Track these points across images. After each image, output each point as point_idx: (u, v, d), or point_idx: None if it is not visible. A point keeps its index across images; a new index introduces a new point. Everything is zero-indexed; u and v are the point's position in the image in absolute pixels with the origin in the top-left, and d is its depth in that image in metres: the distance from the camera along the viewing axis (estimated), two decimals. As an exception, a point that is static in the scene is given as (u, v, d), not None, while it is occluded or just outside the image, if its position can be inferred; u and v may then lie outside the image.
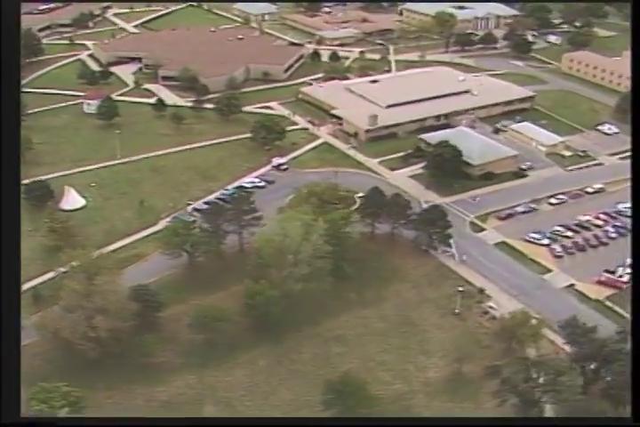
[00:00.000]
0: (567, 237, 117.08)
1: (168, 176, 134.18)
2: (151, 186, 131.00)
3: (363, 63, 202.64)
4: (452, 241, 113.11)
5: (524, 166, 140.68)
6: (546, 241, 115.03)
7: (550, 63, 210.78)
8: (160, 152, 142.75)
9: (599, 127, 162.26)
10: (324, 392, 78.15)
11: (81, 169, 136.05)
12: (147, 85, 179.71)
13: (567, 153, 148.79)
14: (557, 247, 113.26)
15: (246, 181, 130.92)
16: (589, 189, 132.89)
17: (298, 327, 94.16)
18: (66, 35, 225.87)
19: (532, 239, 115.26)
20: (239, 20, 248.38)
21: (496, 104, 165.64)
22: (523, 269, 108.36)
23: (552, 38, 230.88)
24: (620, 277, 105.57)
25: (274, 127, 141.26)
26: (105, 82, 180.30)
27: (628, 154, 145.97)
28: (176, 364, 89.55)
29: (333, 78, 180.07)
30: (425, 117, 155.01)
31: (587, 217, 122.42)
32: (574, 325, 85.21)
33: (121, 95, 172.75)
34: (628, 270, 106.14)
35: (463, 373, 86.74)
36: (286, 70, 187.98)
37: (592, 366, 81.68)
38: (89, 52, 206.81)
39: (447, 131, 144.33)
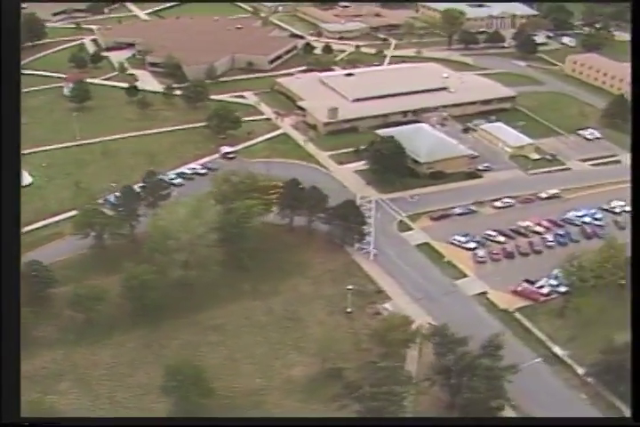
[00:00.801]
0: (498, 242, 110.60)
1: (117, 159, 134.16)
2: (97, 168, 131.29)
3: (357, 57, 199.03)
4: (371, 239, 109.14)
5: (480, 167, 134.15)
6: (472, 245, 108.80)
7: (556, 65, 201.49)
8: (118, 136, 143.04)
9: (580, 132, 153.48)
10: (165, 379, 76.16)
11: (39, 149, 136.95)
12: (133, 71, 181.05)
13: (535, 156, 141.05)
14: (481, 252, 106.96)
15: (189, 167, 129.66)
16: (544, 195, 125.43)
17: (180, 314, 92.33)
18: (80, 20, 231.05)
19: (456, 242, 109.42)
20: (250, 10, 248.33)
21: (472, 103, 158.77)
22: (436, 273, 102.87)
23: (566, 40, 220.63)
24: (541, 287, 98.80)
25: (228, 116, 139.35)
26: (95, 66, 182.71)
27: (602, 161, 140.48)
28: (52, 339, 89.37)
29: (317, 70, 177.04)
30: (389, 113, 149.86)
31: (527, 223, 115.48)
32: (443, 334, 79.81)
33: (106, 80, 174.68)
34: (553, 282, 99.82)
35: (328, 373, 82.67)
36: (273, 61, 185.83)
37: (445, 378, 76.35)
38: (93, 37, 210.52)
39: (404, 127, 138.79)
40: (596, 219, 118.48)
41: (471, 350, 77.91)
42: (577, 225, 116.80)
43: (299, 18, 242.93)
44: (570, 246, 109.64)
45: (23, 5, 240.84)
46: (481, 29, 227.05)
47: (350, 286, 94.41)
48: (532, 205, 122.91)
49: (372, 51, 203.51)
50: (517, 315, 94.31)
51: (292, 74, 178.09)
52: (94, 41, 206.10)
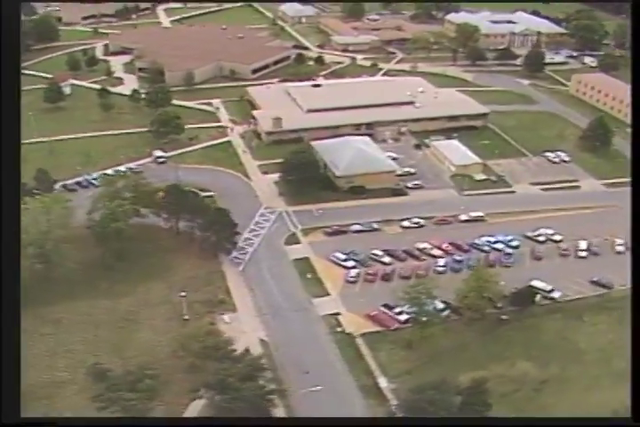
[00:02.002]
0: (383, 262, 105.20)
1: (57, 159, 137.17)
2: (35, 166, 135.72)
3: (351, 69, 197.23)
4: (250, 249, 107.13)
5: (410, 185, 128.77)
6: (350, 263, 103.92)
7: (564, 84, 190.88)
8: (71, 136, 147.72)
9: (547, 154, 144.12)
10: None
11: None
12: (123, 75, 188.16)
13: (480, 176, 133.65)
14: (353, 272, 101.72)
15: (116, 169, 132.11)
16: (464, 217, 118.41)
17: (26, 305, 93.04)
18: (105, 24, 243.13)
19: (335, 260, 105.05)
20: (269, 20, 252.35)
21: (435, 118, 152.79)
22: (298, 290, 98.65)
23: (587, 60, 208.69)
24: (399, 314, 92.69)
25: (169, 122, 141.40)
26: (90, 69, 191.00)
27: (557, 185, 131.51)
28: None
29: (296, 80, 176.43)
30: (339, 125, 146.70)
31: (424, 245, 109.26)
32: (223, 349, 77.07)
33: (93, 82, 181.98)
34: (414, 309, 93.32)
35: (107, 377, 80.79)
36: (258, 70, 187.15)
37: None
38: (106, 41, 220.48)
39: (334, 140, 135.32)
40: (511, 246, 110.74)
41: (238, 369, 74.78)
42: (485, 251, 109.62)
43: (319, 30, 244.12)
44: (463, 273, 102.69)
45: (55, 7, 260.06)
46: (501, 46, 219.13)
47: (183, 293, 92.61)
48: (445, 227, 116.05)
49: (368, 63, 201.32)
50: (359, 340, 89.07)
51: (271, 83, 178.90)
52: (106, 45, 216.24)
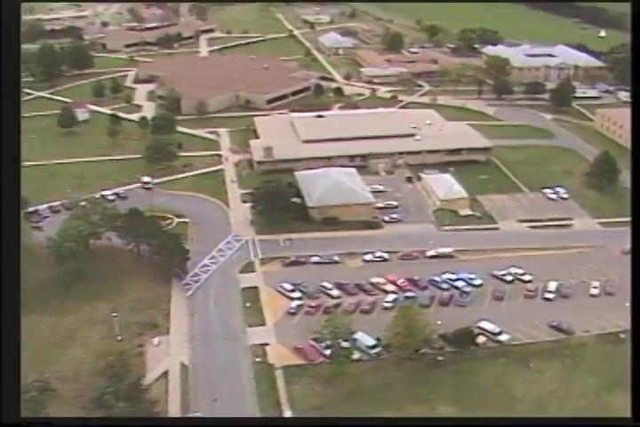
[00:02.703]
0: (330, 296, 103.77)
1: (54, 181, 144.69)
2: (31, 187, 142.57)
3: (369, 101, 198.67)
4: (205, 276, 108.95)
5: (387, 218, 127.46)
6: (296, 295, 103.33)
7: (590, 119, 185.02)
8: (74, 160, 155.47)
9: (546, 190, 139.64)
10: None
11: None
12: (144, 102, 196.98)
13: (465, 212, 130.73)
14: (294, 304, 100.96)
15: (103, 193, 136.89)
16: (432, 253, 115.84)
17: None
18: (146, 52, 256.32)
19: (282, 290, 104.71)
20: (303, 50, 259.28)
21: (433, 151, 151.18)
22: (237, 318, 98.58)
23: (622, 95, 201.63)
24: (327, 348, 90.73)
25: (162, 149, 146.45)
26: (114, 96, 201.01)
27: (548, 223, 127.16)
28: None
29: (306, 111, 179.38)
30: (332, 156, 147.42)
31: (379, 280, 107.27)
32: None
33: (113, 109, 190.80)
34: (345, 344, 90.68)
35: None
36: (274, 100, 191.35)
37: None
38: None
39: (315, 170, 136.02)
40: (473, 285, 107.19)
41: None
42: (443, 289, 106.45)
43: (353, 61, 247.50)
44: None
45: (101, 35, 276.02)
46: (536, 80, 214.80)
47: (115, 314, 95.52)
48: (410, 262, 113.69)
49: (389, 95, 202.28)
50: (278, 372, 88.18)
51: (282, 113, 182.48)
52: (137, 73, 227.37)
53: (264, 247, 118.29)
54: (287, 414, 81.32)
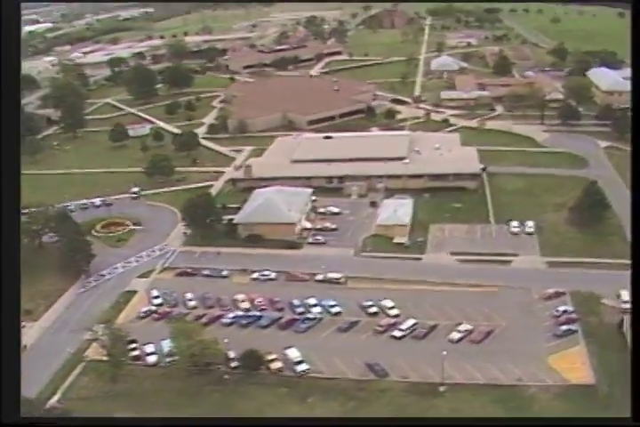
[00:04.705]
0: (188, 306, 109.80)
1: (64, 188, 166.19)
2: (44, 192, 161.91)
3: (419, 124, 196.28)
4: (108, 276, 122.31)
5: (311, 240, 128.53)
6: (158, 301, 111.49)
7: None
8: (102, 170, 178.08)
9: (513, 223, 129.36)
10: None
11: (39, 172, 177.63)
12: (209, 120, 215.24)
13: (400, 240, 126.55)
14: (145, 308, 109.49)
15: (92, 200, 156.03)
16: (321, 277, 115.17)
17: None
18: (261, 74, 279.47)
19: (150, 296, 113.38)
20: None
21: (416, 176, 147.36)
22: (97, 315, 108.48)
23: None
24: (149, 354, 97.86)
25: (158, 163, 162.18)
26: (188, 114, 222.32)
27: (485, 258, 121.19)
28: None
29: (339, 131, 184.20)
30: (310, 176, 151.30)
31: (241, 296, 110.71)
32: None
33: (176, 126, 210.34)
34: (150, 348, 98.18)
35: None
36: (318, 121, 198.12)
37: None
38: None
39: (266, 188, 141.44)
40: (330, 312, 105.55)
41: None
42: (297, 313, 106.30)
43: (448, 84, 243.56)
44: (249, 329, 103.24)
45: (226, 56, 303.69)
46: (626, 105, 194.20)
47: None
48: (293, 284, 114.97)
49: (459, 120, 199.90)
50: (82, 364, 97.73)
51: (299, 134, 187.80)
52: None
53: (178, 258, 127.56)
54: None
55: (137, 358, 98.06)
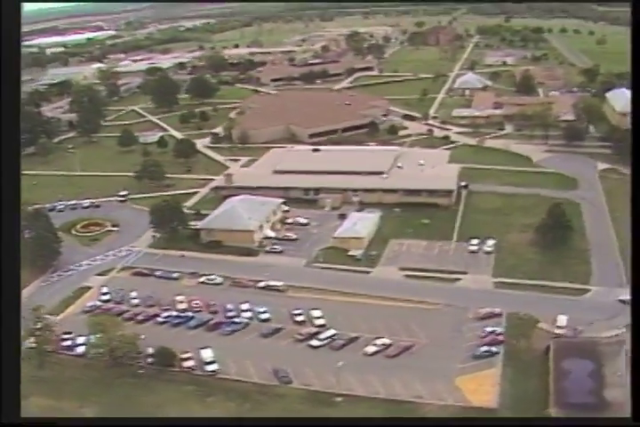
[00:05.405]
0: (130, 304, 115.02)
1: (65, 188, 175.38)
2: (42, 191, 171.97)
3: (419, 140, 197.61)
4: (70, 272, 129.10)
5: (268, 248, 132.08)
6: (105, 297, 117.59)
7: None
8: (101, 173, 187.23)
9: (473, 241, 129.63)
10: None
11: (48, 173, 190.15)
12: (220, 130, 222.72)
13: (354, 252, 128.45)
14: (90, 303, 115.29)
15: (80, 202, 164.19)
16: (263, 284, 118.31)
17: None
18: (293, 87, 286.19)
19: (100, 292, 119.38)
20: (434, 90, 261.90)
21: (391, 191, 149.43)
22: (48, 308, 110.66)
23: None
24: (77, 346, 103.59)
25: (148, 169, 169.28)
26: (201, 124, 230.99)
27: (430, 275, 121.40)
28: None
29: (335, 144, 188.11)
30: (288, 187, 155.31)
31: (181, 298, 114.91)
32: None
33: (186, 135, 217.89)
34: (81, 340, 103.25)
35: None
36: (319, 135, 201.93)
37: None
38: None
39: (236, 197, 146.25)
40: (260, 319, 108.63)
41: None
42: (228, 316, 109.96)
43: (467, 101, 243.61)
44: (178, 329, 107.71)
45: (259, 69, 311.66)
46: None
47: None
48: (236, 289, 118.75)
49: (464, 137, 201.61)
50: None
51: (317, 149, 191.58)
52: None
53: (141, 259, 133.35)
54: None
55: (68, 348, 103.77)
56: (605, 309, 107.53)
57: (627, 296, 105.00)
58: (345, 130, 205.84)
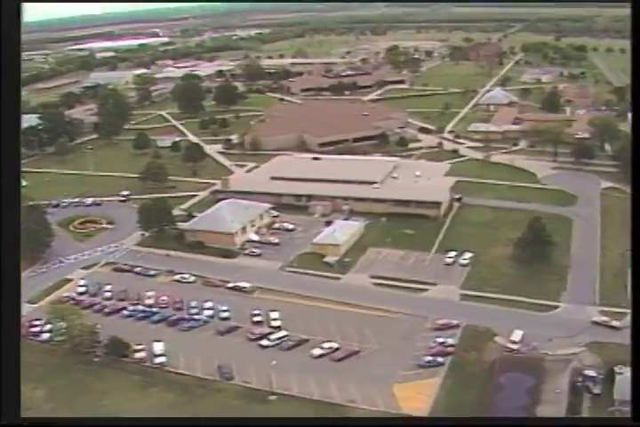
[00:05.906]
0: (104, 297, 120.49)
1: (73, 186, 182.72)
2: (55, 188, 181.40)
3: (427, 153, 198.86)
4: (58, 264, 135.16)
5: (254, 250, 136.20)
6: (82, 289, 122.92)
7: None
8: (109, 173, 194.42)
9: (450, 253, 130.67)
10: None
11: (62, 171, 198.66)
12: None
13: (329, 259, 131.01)
14: (65, 295, 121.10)
15: (84, 199, 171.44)
16: (232, 285, 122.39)
17: None
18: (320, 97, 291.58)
19: (78, 286, 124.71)
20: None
21: (380, 200, 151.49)
22: (30, 296, 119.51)
23: None
24: (42, 332, 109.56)
25: (150, 171, 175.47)
26: (220, 130, 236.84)
27: (398, 284, 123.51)
28: None
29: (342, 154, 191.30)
30: (281, 193, 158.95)
31: (151, 293, 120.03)
32: None
33: (201, 139, 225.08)
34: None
35: None
36: (329, 144, 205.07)
37: None
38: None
39: (225, 200, 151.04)
40: (220, 317, 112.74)
41: None
42: (190, 313, 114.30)
43: (490, 116, 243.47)
44: (141, 323, 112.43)
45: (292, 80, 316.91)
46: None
47: None
48: (207, 288, 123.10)
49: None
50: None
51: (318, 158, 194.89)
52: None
53: (125, 256, 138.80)
54: None
55: (35, 334, 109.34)
56: (569, 326, 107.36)
57: (600, 318, 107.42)
58: (355, 140, 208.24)
